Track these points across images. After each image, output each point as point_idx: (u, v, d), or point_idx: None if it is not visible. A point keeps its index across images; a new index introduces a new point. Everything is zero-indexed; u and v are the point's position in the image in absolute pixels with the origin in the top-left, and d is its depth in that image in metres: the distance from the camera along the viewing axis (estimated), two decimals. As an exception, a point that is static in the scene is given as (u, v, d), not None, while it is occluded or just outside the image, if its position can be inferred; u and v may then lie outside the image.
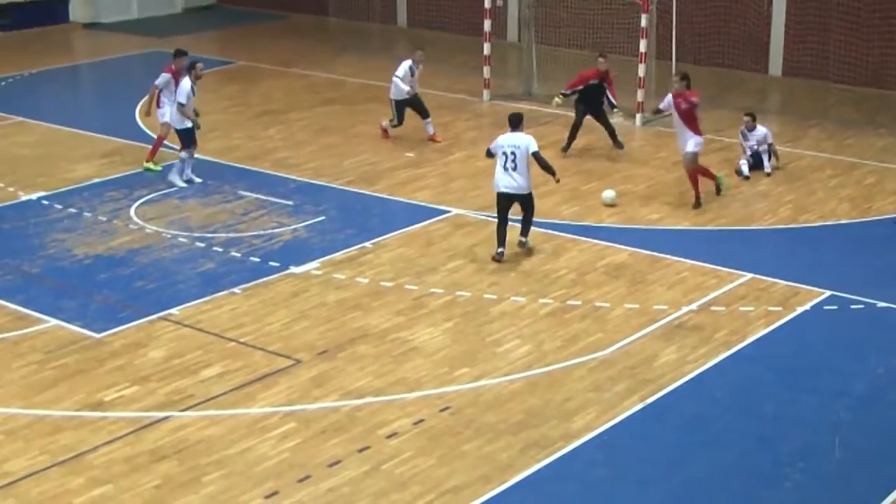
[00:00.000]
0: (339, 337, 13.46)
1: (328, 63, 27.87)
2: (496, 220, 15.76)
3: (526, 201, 15.75)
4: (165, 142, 19.48)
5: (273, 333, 13.55)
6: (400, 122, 20.86)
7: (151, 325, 13.75)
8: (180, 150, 18.85)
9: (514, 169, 15.42)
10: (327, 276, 15.14)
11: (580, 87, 20.06)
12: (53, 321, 13.82)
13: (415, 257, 15.80)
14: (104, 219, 17.18)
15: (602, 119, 20.17)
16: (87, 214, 17.37)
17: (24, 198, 18.13)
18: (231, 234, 16.56)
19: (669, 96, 17.77)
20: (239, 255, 15.82)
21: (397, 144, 20.82)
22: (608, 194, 17.78)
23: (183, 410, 11.82)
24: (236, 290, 14.70)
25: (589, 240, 16.39)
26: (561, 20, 26.20)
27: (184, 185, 18.42)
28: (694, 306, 14.24)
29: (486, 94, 24.24)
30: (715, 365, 12.80)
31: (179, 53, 19.22)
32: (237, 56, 28.63)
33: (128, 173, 19.23)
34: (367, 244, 16.21)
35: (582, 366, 12.78)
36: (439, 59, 26.77)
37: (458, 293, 14.63)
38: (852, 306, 14.27)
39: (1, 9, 31.26)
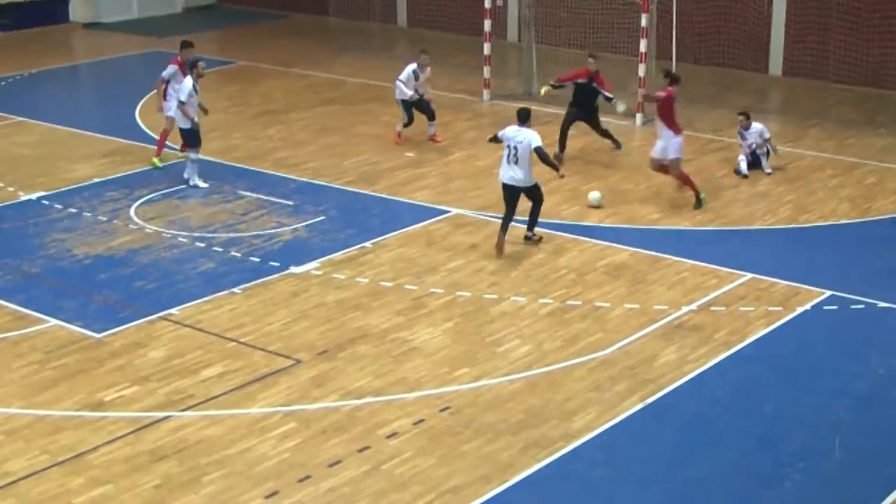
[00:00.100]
0: (339, 337, 13.46)
1: (328, 63, 27.86)
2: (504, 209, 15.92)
3: (531, 193, 15.89)
4: (166, 142, 19.54)
5: (273, 333, 13.55)
6: (410, 120, 20.79)
7: (151, 325, 13.75)
8: (182, 150, 18.88)
9: (516, 163, 15.64)
10: (327, 276, 15.15)
11: (566, 83, 20.05)
12: (53, 321, 13.82)
13: (415, 257, 15.80)
14: (104, 219, 17.18)
15: (594, 122, 20.12)
16: (87, 214, 17.37)
17: (24, 198, 18.13)
18: (231, 234, 16.57)
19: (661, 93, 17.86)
20: (239, 255, 15.82)
21: (397, 145, 20.80)
22: (594, 195, 17.77)
23: (183, 410, 11.82)
24: (236, 290, 14.70)
25: (589, 240, 16.40)
26: (561, 20, 26.19)
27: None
28: (694, 306, 14.25)
29: (486, 93, 24.26)
30: (715, 365, 12.80)
31: (186, 45, 19.24)
32: (237, 56, 28.63)
33: (128, 173, 19.24)
34: (367, 244, 16.22)
35: (582, 366, 12.78)
36: (439, 59, 26.66)
37: (458, 293, 14.63)
38: (852, 306, 14.27)
39: (1, 9, 31.24)
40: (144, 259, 15.69)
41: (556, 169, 15.97)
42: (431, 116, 20.87)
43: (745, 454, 11.09)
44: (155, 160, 19.45)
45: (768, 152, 19.40)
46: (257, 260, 15.65)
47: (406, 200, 18.09)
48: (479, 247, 16.09)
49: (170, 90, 18.99)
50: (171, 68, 19.02)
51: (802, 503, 10.40)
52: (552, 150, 17.06)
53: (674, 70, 19.98)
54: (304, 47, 29.85)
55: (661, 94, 17.55)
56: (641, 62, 22.06)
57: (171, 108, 18.79)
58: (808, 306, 14.25)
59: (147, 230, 16.71)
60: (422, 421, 11.61)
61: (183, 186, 18.47)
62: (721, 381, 12.51)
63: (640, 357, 12.94)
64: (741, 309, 14.15)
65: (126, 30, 32.15)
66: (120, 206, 17.70)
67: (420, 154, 20.43)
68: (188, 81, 18.26)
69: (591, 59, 19.95)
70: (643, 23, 22.08)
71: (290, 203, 17.85)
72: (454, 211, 17.52)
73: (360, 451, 11.06)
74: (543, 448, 11.10)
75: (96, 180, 18.92)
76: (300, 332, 13.59)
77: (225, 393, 12.16)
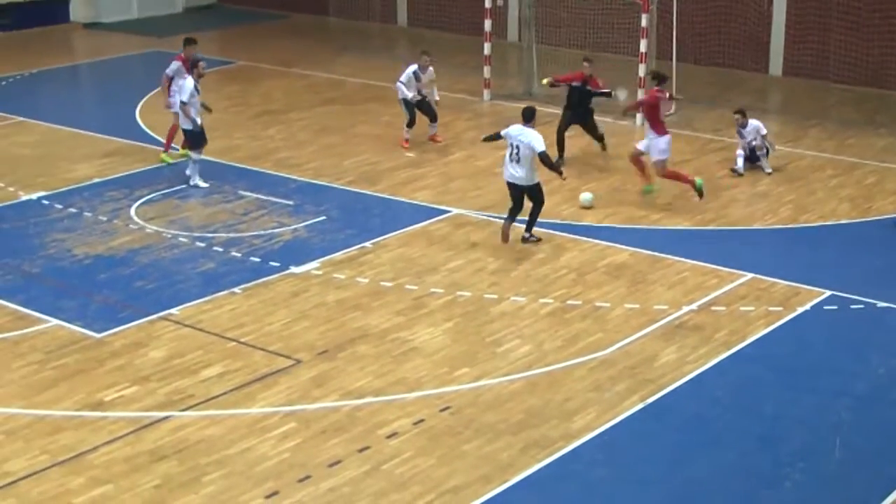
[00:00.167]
0: (339, 337, 13.46)
1: (328, 63, 27.86)
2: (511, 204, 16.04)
3: (531, 193, 15.92)
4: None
5: (273, 333, 13.55)
6: (412, 120, 20.73)
7: (151, 325, 13.75)
8: (183, 148, 18.89)
9: (518, 161, 15.72)
10: (327, 276, 15.15)
11: (562, 85, 20.03)
12: (54, 321, 13.82)
13: (415, 257, 15.80)
14: (104, 219, 17.18)
15: (589, 126, 20.09)
16: (88, 214, 17.38)
17: (24, 198, 18.14)
18: (231, 234, 16.57)
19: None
20: (239, 254, 15.83)
21: (397, 144, 20.80)
22: (585, 196, 17.75)
23: (183, 410, 11.82)
24: (236, 289, 14.70)
25: (589, 240, 16.40)
26: (561, 20, 26.18)
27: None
28: (694, 306, 14.25)
29: (486, 93, 24.26)
30: (715, 365, 12.81)
31: (190, 41, 19.25)
32: (237, 56, 28.63)
33: (128, 173, 19.24)
34: (368, 244, 16.22)
35: (582, 366, 12.78)
36: (439, 59, 26.54)
37: (459, 293, 14.63)
38: (852, 306, 14.27)
39: (1, 9, 31.25)
40: (145, 259, 15.69)
41: (560, 173, 16.06)
42: (433, 118, 20.86)
43: (745, 454, 11.09)
44: (164, 156, 19.48)
45: (767, 152, 19.40)
46: (257, 260, 15.65)
47: (406, 200, 18.09)
48: (479, 247, 16.10)
49: (173, 87, 19.01)
50: (175, 64, 19.03)
51: (802, 503, 10.40)
52: (552, 154, 17.04)
53: (673, 70, 20.01)
54: (305, 47, 29.85)
55: (644, 97, 17.57)
56: (641, 62, 22.05)
57: (176, 104, 18.81)
58: (808, 306, 14.25)
59: (147, 230, 16.72)
60: (422, 421, 11.61)
61: (183, 186, 18.47)
62: (721, 381, 12.51)
63: (641, 357, 12.94)
64: (741, 309, 14.16)
65: (126, 30, 32.16)
66: (120, 206, 17.71)
67: (420, 154, 20.43)
68: (189, 82, 18.26)
69: (585, 63, 19.92)
70: (643, 23, 22.08)
71: (291, 203, 17.85)
72: (454, 211, 17.53)
73: (361, 451, 11.06)
74: (543, 448, 11.10)
75: (96, 180, 18.92)
76: (300, 332, 13.59)
77: (225, 393, 12.16)
